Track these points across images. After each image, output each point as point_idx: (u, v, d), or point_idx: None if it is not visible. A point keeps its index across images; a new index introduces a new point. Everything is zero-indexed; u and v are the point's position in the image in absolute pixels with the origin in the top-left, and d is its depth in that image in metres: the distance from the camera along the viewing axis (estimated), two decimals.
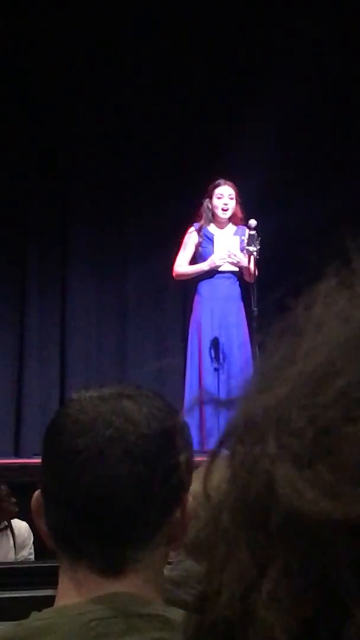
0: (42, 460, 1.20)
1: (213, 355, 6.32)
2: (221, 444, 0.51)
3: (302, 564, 0.45)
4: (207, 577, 0.49)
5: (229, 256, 6.27)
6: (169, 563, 2.05)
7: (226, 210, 6.36)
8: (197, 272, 6.37)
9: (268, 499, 0.46)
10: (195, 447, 6.10)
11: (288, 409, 0.48)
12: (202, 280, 6.41)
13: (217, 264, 6.29)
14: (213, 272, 6.36)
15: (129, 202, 8.15)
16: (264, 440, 0.48)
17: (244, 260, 6.25)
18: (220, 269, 6.34)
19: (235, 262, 6.29)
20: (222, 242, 6.33)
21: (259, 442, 0.48)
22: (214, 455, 0.52)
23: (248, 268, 6.24)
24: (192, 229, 6.47)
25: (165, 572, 1.64)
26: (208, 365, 6.32)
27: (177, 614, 1.13)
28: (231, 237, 6.37)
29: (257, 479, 0.47)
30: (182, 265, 6.45)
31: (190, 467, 1.22)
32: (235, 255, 6.26)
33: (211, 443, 6.16)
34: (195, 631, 0.50)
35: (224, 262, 6.30)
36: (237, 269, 6.35)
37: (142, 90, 8.06)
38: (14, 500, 5.15)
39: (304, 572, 0.45)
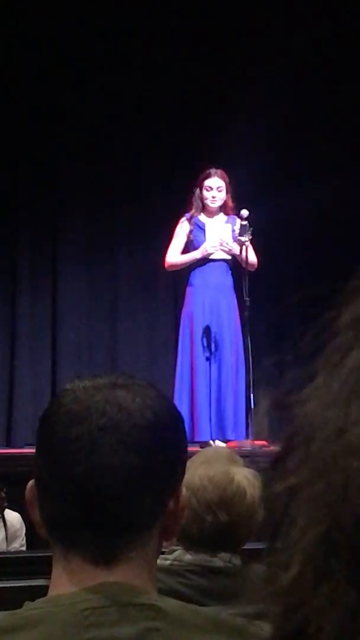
0: (36, 450, 1.20)
1: (205, 344, 6.32)
2: (289, 474, 0.48)
3: None
4: (303, 615, 0.45)
5: (221, 244, 6.27)
6: (162, 553, 2.06)
7: (215, 201, 6.36)
8: (190, 261, 6.37)
9: None
10: (187, 437, 6.14)
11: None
12: (194, 269, 6.41)
13: (209, 251, 6.29)
14: (205, 261, 6.35)
15: (120, 191, 8.13)
16: (353, 475, 0.44)
17: (235, 248, 6.25)
18: (212, 257, 6.34)
19: (227, 249, 6.29)
20: (213, 231, 6.33)
21: (346, 478, 0.45)
22: (283, 484, 0.48)
23: (241, 257, 6.24)
24: (183, 218, 6.46)
25: (158, 561, 1.65)
26: (200, 354, 6.32)
27: (170, 604, 1.13)
28: (223, 226, 6.37)
29: (349, 511, 0.44)
30: (174, 255, 6.44)
31: (184, 457, 1.22)
32: (227, 243, 6.26)
33: (202, 434, 6.18)
34: None
35: (216, 250, 6.30)
36: (229, 257, 6.35)
37: (133, 78, 8.05)
38: (3, 495, 5.15)
39: None
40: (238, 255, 6.25)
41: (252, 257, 6.27)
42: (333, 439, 0.46)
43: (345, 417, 0.46)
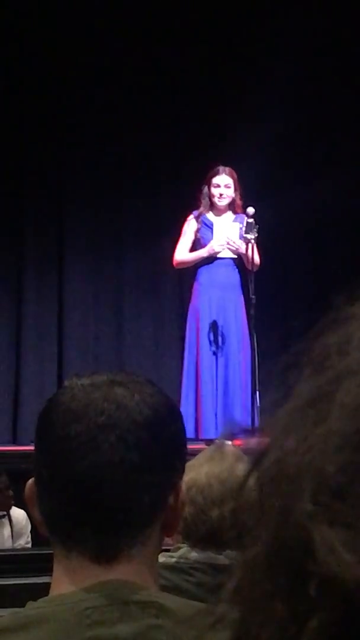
0: (35, 448, 1.20)
1: (212, 338, 6.31)
2: (258, 492, 0.49)
3: (342, 622, 0.44)
4: (242, 627, 0.48)
5: (228, 243, 6.26)
6: (165, 550, 2.06)
7: (223, 199, 6.35)
8: (197, 259, 6.36)
9: (306, 561, 0.45)
10: (191, 435, 6.13)
11: (325, 466, 0.46)
12: (200, 266, 6.40)
13: (216, 250, 6.28)
14: (212, 259, 6.35)
15: (127, 188, 8.14)
16: (300, 494, 0.46)
17: (242, 247, 6.24)
18: (219, 256, 6.33)
19: (234, 248, 6.28)
20: (221, 229, 6.32)
21: (294, 494, 0.46)
22: (246, 505, 0.50)
23: (247, 256, 6.23)
24: (191, 216, 6.45)
25: (162, 558, 1.65)
26: (206, 349, 6.31)
27: (172, 601, 1.13)
28: (230, 224, 6.36)
29: (292, 533, 0.46)
30: (182, 253, 6.44)
31: (183, 453, 1.22)
32: (234, 242, 6.25)
33: (208, 431, 6.18)
34: None
35: (223, 249, 6.29)
36: (235, 256, 6.34)
37: (141, 76, 8.05)
38: (11, 493, 5.16)
39: (344, 629, 0.44)
40: (244, 254, 6.24)
41: (256, 257, 6.26)
42: (275, 465, 0.48)
43: (284, 445, 0.48)
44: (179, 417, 1.24)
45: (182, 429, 1.24)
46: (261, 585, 0.47)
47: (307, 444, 0.47)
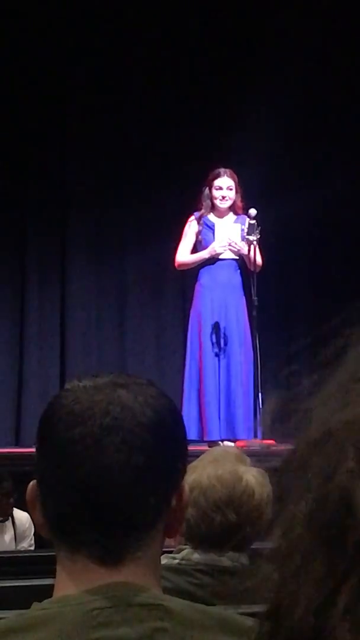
0: (37, 450, 1.20)
1: (214, 340, 6.32)
2: (298, 455, 0.51)
3: None
4: (281, 587, 0.49)
5: (229, 244, 6.26)
6: (168, 552, 2.06)
7: (225, 201, 6.35)
8: (198, 261, 6.37)
9: (345, 516, 0.46)
10: (196, 437, 6.13)
11: None
12: (202, 268, 6.41)
13: (218, 251, 6.29)
14: (214, 260, 6.35)
15: (129, 189, 8.14)
16: (343, 454, 0.48)
17: (244, 248, 6.24)
18: (221, 257, 6.33)
19: (236, 249, 6.28)
20: (222, 230, 6.32)
21: (336, 455, 0.48)
22: (287, 463, 0.52)
23: (249, 257, 6.23)
24: (192, 218, 6.45)
25: (164, 560, 1.65)
26: (209, 350, 6.31)
27: (176, 603, 1.13)
28: (232, 225, 6.36)
29: (334, 493, 0.47)
30: (184, 254, 6.44)
31: (185, 454, 1.22)
32: (235, 244, 6.25)
33: (211, 433, 6.17)
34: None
35: (225, 250, 6.29)
36: (237, 257, 6.34)
37: (143, 77, 8.05)
38: (11, 500, 5.14)
39: None
40: (246, 255, 6.25)
41: (258, 258, 6.26)
42: (320, 429, 0.50)
43: (329, 412, 0.51)
44: (180, 418, 1.24)
45: (184, 431, 1.24)
46: (300, 545, 0.48)
47: (352, 411, 0.48)
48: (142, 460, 1.13)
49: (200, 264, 6.40)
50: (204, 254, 6.33)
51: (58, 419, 1.16)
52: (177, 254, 6.47)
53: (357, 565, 0.45)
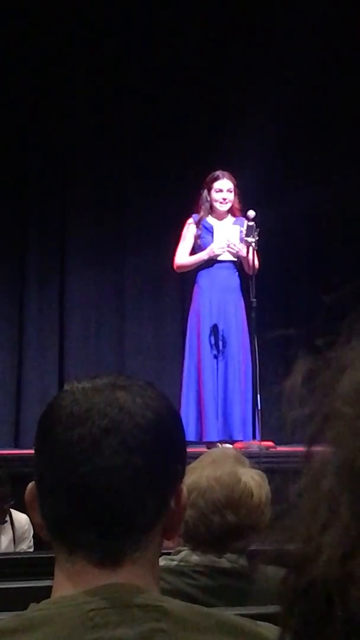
0: (36, 452, 1.20)
1: (213, 342, 6.32)
2: (331, 408, 0.52)
3: None
4: (306, 539, 0.50)
5: (228, 245, 6.26)
6: (166, 553, 2.06)
7: (225, 203, 6.36)
8: (198, 262, 6.37)
9: None
10: (194, 438, 6.13)
11: None
12: (201, 269, 6.41)
13: (216, 252, 6.29)
14: (212, 262, 6.36)
15: (128, 192, 8.14)
16: None
17: (243, 250, 6.24)
18: (219, 258, 6.34)
19: (234, 251, 6.28)
20: (221, 232, 6.32)
21: None
22: (322, 420, 0.53)
23: (247, 259, 6.24)
24: (190, 220, 6.45)
25: (163, 562, 1.65)
26: (207, 352, 6.32)
27: (174, 605, 1.14)
28: (230, 227, 6.36)
29: None
30: (182, 257, 6.45)
31: (184, 456, 1.22)
32: (234, 245, 6.26)
33: (210, 434, 6.16)
34: (294, 592, 0.50)
35: (223, 251, 6.30)
36: (236, 259, 6.35)
37: (141, 80, 8.06)
38: (6, 507, 5.12)
39: None
40: (244, 257, 6.25)
41: (255, 261, 6.26)
42: (352, 384, 0.51)
43: None
44: (179, 420, 1.24)
45: (183, 432, 1.24)
46: (328, 493, 0.49)
47: None
48: (141, 462, 1.13)
49: (198, 266, 6.40)
50: (202, 255, 6.33)
51: (57, 420, 1.16)
52: (175, 257, 6.47)
53: None
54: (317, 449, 0.52)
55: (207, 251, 6.30)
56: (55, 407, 1.18)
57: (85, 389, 1.18)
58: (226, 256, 6.35)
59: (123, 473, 1.13)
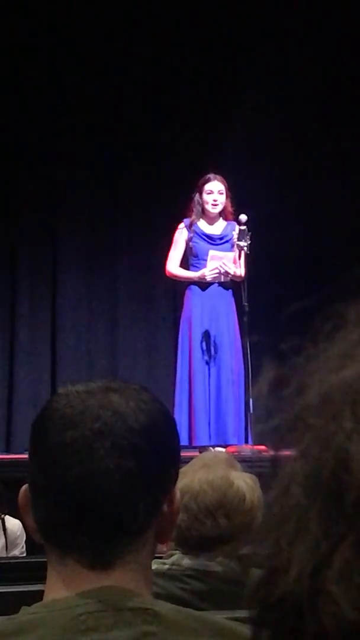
0: (29, 454, 1.20)
1: (204, 348, 6.32)
2: (296, 418, 0.51)
3: None
4: (276, 551, 0.49)
5: (220, 272, 6.23)
6: (158, 557, 2.06)
7: (216, 205, 6.36)
8: (187, 279, 6.39)
9: (342, 475, 0.46)
10: (185, 442, 6.13)
11: None
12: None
13: (207, 279, 6.29)
14: (204, 265, 6.34)
15: (120, 196, 8.14)
16: (340, 415, 0.48)
17: (237, 271, 6.24)
18: (210, 280, 6.32)
19: (230, 273, 6.26)
20: (215, 259, 6.28)
21: (334, 416, 0.48)
22: (288, 429, 0.52)
23: (235, 274, 6.24)
24: (182, 225, 6.45)
25: (154, 565, 1.64)
26: (199, 358, 6.32)
27: (166, 608, 1.14)
28: (224, 253, 6.31)
29: (332, 454, 0.47)
30: (174, 263, 6.44)
31: (177, 460, 1.22)
32: (229, 268, 6.23)
33: (201, 439, 6.17)
34: (263, 605, 0.50)
35: (214, 277, 6.28)
36: (227, 280, 6.34)
37: (134, 84, 8.06)
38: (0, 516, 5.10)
39: None
40: (233, 275, 6.24)
41: (241, 270, 6.26)
42: (318, 393, 0.51)
43: (327, 375, 0.51)
44: (173, 424, 1.24)
45: (176, 436, 1.24)
46: (296, 507, 0.48)
47: (348, 373, 0.49)
48: (133, 465, 1.13)
49: (190, 268, 6.41)
50: (192, 275, 6.34)
51: (50, 423, 1.17)
52: (167, 262, 6.47)
53: (353, 526, 0.45)
54: (286, 459, 0.51)
55: (198, 274, 6.29)
56: (49, 410, 1.18)
57: (79, 392, 1.18)
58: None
59: (114, 476, 1.13)
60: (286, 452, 0.52)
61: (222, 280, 6.30)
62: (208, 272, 6.25)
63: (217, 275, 6.25)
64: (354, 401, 0.48)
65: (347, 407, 0.48)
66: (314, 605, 0.46)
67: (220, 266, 6.23)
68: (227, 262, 6.24)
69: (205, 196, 6.36)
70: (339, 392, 0.49)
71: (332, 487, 0.47)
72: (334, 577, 0.45)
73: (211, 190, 6.35)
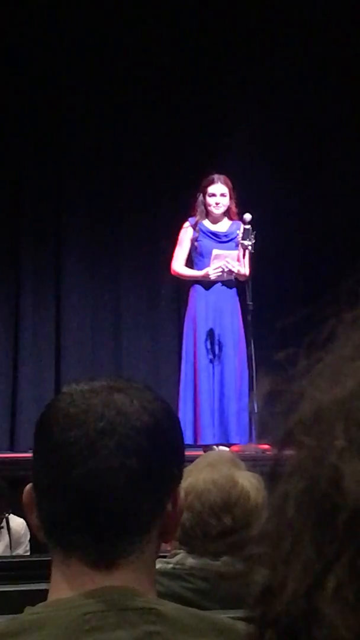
0: (34, 453, 1.20)
1: (208, 347, 6.32)
2: (288, 435, 0.51)
3: None
4: (271, 570, 0.49)
5: (223, 270, 6.23)
6: (162, 556, 2.05)
7: (218, 207, 6.36)
8: (192, 277, 6.39)
9: (335, 495, 0.46)
10: (190, 441, 6.12)
11: (358, 402, 0.48)
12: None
13: (211, 277, 6.29)
14: (208, 264, 6.35)
15: (124, 195, 8.14)
16: (333, 433, 0.48)
17: (241, 269, 6.23)
18: (214, 279, 6.33)
19: (233, 271, 6.26)
20: (220, 257, 6.28)
21: (327, 434, 0.48)
22: (282, 446, 0.52)
23: (239, 272, 6.24)
24: (187, 224, 6.45)
25: (158, 565, 1.64)
26: (203, 357, 6.32)
27: (170, 608, 1.13)
28: (228, 252, 6.31)
29: (324, 472, 0.47)
30: (179, 262, 6.44)
31: (181, 459, 1.22)
32: (233, 267, 6.23)
33: (205, 438, 6.17)
34: (259, 625, 0.49)
35: (218, 275, 6.28)
36: (231, 278, 6.34)
37: (138, 84, 8.05)
38: (4, 515, 5.10)
39: None
40: (237, 274, 6.24)
41: (245, 269, 6.27)
42: (310, 409, 0.50)
43: (318, 392, 0.51)
44: (177, 423, 1.24)
45: (181, 436, 1.24)
46: (290, 526, 0.48)
47: (341, 389, 0.49)
48: (136, 464, 1.13)
49: (194, 267, 6.42)
50: (197, 274, 6.34)
51: (54, 422, 1.16)
52: (172, 261, 6.47)
53: (346, 546, 0.45)
54: (281, 475, 0.51)
55: (202, 272, 6.29)
56: (53, 409, 1.18)
57: (83, 391, 1.18)
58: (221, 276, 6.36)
59: (118, 475, 1.12)
60: (283, 467, 0.51)
61: (226, 278, 6.30)
62: (212, 270, 6.25)
63: (220, 273, 6.25)
64: (346, 419, 0.48)
65: (339, 425, 0.48)
66: (309, 626, 0.46)
67: (224, 264, 6.23)
68: (231, 260, 6.24)
69: (208, 198, 6.37)
70: (332, 410, 0.49)
71: (324, 506, 0.46)
72: (328, 597, 0.45)
73: (214, 193, 6.35)
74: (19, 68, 7.88)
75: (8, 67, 7.83)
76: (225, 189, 6.35)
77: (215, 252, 6.27)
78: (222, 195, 6.35)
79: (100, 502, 1.13)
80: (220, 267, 6.24)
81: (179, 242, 6.47)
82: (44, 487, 1.17)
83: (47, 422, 1.18)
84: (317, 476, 0.47)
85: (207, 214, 6.41)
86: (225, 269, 6.24)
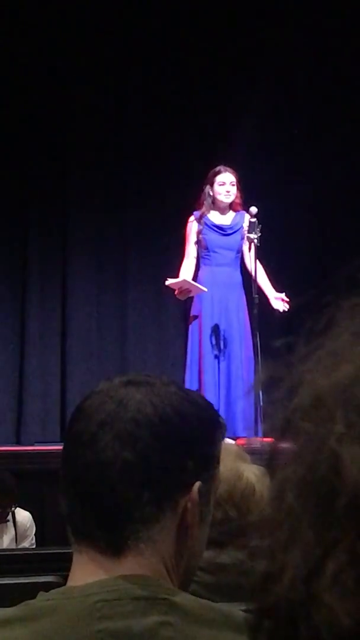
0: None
1: (214, 342, 6.33)
2: (288, 421, 0.51)
3: None
4: (270, 556, 0.49)
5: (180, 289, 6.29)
6: None
7: (229, 196, 6.38)
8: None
9: (334, 480, 0.46)
10: None
11: (357, 387, 0.48)
12: (202, 267, 6.44)
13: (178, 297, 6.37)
14: (213, 259, 6.37)
15: (130, 190, 8.14)
16: (332, 418, 0.48)
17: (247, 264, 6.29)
18: (220, 254, 6.35)
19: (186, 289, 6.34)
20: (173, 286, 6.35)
21: (326, 420, 0.48)
22: (281, 432, 0.52)
23: (249, 255, 6.26)
24: (192, 218, 6.46)
25: None
26: (208, 352, 6.32)
27: (182, 598, 1.14)
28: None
29: (324, 458, 0.47)
30: (187, 260, 6.47)
31: (198, 454, 1.20)
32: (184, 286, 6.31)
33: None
34: (259, 611, 0.49)
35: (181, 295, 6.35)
36: (238, 254, 6.36)
37: (142, 79, 8.05)
38: (11, 508, 5.10)
39: None
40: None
41: (252, 261, 6.28)
42: (309, 396, 0.50)
43: (317, 379, 0.51)
44: (193, 419, 1.21)
45: (197, 430, 1.21)
46: (290, 512, 0.48)
47: (340, 375, 0.49)
48: (132, 456, 1.14)
49: (199, 263, 6.43)
50: (181, 280, 6.37)
51: (71, 417, 1.22)
52: (183, 261, 6.50)
53: (345, 531, 0.45)
54: (281, 462, 0.51)
55: (200, 287, 6.33)
56: (77, 408, 1.22)
57: (104, 386, 1.21)
58: (226, 254, 6.37)
59: (113, 467, 1.15)
60: (282, 454, 0.51)
61: (232, 255, 6.32)
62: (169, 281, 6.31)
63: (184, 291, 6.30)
64: (345, 404, 0.48)
65: (339, 410, 0.48)
66: (308, 611, 0.46)
67: (180, 287, 6.28)
68: (185, 284, 6.27)
69: (217, 187, 6.38)
70: (330, 395, 0.49)
71: (324, 492, 0.46)
72: (327, 583, 0.45)
73: (223, 182, 6.37)
74: (24, 61, 7.88)
75: (13, 63, 7.83)
76: (233, 178, 6.39)
77: (168, 281, 6.31)
78: (232, 184, 6.39)
79: (100, 492, 1.15)
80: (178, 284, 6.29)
81: (187, 239, 6.48)
82: (61, 478, 1.20)
83: (70, 418, 1.23)
84: (317, 462, 0.47)
85: (214, 205, 6.41)
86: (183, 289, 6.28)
